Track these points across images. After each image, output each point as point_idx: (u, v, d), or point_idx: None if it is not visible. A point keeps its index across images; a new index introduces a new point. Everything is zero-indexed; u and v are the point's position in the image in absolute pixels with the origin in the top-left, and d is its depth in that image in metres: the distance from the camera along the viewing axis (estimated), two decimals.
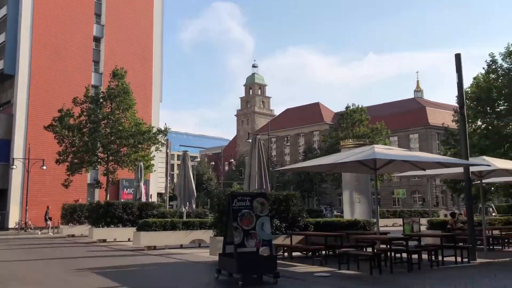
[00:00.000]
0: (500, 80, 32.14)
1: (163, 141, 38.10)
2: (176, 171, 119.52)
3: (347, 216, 19.75)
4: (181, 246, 18.35)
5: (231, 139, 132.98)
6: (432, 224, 18.03)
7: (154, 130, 36.64)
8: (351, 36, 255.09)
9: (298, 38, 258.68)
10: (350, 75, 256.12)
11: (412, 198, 79.46)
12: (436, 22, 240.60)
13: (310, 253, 13.21)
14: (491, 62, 33.10)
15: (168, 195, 32.08)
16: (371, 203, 22.59)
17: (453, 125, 39.24)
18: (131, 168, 36.14)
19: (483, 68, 33.44)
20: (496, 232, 17.15)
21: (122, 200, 28.38)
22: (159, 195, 55.25)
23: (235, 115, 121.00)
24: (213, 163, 79.72)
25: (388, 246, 10.81)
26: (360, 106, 54.03)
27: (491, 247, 15.79)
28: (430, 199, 49.56)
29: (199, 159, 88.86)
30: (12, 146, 41.09)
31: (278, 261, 9.36)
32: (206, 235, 18.41)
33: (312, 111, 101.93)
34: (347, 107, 53.84)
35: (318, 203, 73.56)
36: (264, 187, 16.79)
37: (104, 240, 21.95)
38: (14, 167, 38.03)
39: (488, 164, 12.92)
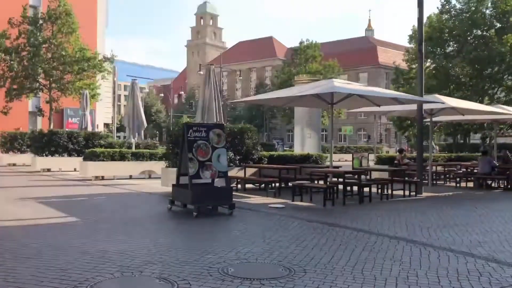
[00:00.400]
0: (452, 21, 32.49)
1: (109, 69, 36.36)
2: (123, 102, 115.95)
3: (297, 150, 19.91)
4: (131, 177, 17.95)
5: (180, 71, 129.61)
6: (380, 159, 18.54)
7: (100, 57, 34.79)
8: None
9: None
10: (305, 9, 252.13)
11: (357, 135, 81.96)
12: None
13: (264, 185, 13.23)
14: (445, 2, 33.26)
15: (115, 125, 30.95)
16: (320, 138, 22.93)
17: (404, 65, 39.83)
18: (76, 97, 34.50)
19: (437, 7, 33.62)
20: (439, 168, 17.91)
21: (66, 129, 27.09)
22: (106, 125, 53.61)
23: (185, 46, 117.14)
24: (162, 95, 77.67)
25: (341, 180, 10.93)
26: (314, 42, 53.54)
27: (434, 182, 16.51)
28: (376, 136, 51.16)
29: (148, 91, 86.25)
30: None
31: (232, 193, 9.22)
32: (156, 166, 18.07)
33: (265, 46, 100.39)
34: (301, 43, 53.20)
35: (268, 138, 74.40)
36: (218, 119, 16.46)
37: (48, 170, 21.10)
38: None
39: (441, 102, 13.11)
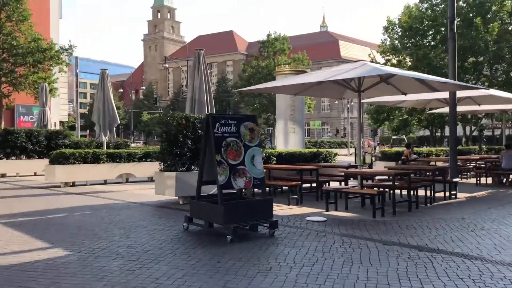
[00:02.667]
0: (431, 10, 31.45)
1: (67, 61, 33.02)
2: (85, 99, 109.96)
3: (280, 147, 18.04)
4: (105, 182, 15.40)
5: (137, 67, 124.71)
6: (385, 155, 16.84)
7: (57, 48, 31.47)
8: None
9: None
10: (261, 5, 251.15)
11: (321, 129, 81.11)
12: None
13: (280, 189, 11.14)
14: None
15: (79, 123, 27.82)
16: (304, 133, 21.19)
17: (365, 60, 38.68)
18: (30, 92, 31.13)
19: None
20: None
21: (24, 128, 23.94)
22: (62, 123, 49.58)
23: (142, 40, 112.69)
24: (122, 90, 73.70)
25: (389, 182, 9.01)
26: (282, 35, 51.74)
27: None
28: (356, 130, 50.05)
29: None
30: None
31: (273, 207, 7.06)
32: (135, 168, 15.70)
33: (226, 40, 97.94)
34: (268, 35, 51.21)
35: None
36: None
37: (3, 175, 18.11)
38: None
39: (486, 88, 11.44)
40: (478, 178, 14.60)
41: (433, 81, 9.50)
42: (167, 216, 8.56)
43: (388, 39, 35.88)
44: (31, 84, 30.33)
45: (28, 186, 14.60)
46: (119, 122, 19.05)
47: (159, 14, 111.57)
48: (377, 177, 10.60)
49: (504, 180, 14.77)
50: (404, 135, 44.47)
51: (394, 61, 34.57)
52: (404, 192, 9.75)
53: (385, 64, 35.67)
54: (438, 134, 35.93)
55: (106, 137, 18.14)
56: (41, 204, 10.17)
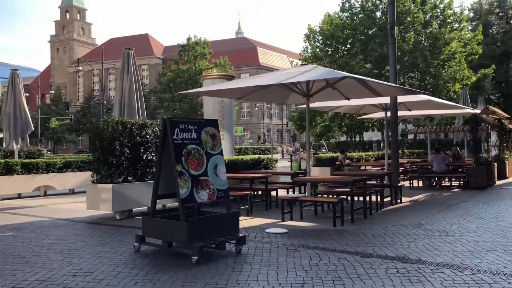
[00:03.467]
0: (352, 19, 32.54)
1: None
2: None
3: None
4: (20, 196, 13.68)
5: (42, 70, 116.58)
6: (320, 160, 16.75)
7: None
8: None
9: None
10: (177, 8, 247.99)
11: (242, 136, 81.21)
12: None
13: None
14: (345, 0, 33.29)
15: None
16: (233, 139, 20.71)
17: (284, 67, 39.40)
18: None
19: (338, 5, 33.54)
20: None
21: None
22: None
23: (48, 41, 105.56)
24: (27, 94, 67.99)
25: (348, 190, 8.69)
26: (202, 39, 50.99)
27: None
28: (287, 137, 50.39)
29: (2, 91, 74.51)
30: None
31: (239, 221, 6.37)
32: (55, 180, 14.19)
33: (141, 43, 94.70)
34: (188, 39, 50.18)
35: None
36: (140, 118, 13.26)
37: None
38: None
39: (429, 94, 11.61)
40: (411, 181, 14.98)
41: (385, 86, 9.37)
42: (108, 234, 7.51)
43: (310, 47, 36.65)
44: None
45: None
46: (33, 129, 17.18)
47: (67, 14, 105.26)
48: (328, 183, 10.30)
49: (434, 183, 15.30)
50: (323, 141, 45.61)
51: None
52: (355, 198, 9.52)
53: None
54: (355, 139, 37.28)
55: (18, 146, 16.24)
56: None
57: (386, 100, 12.91)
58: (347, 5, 32.96)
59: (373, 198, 9.76)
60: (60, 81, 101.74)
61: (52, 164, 14.24)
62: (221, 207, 6.66)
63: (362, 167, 16.55)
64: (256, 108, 77.14)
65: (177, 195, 5.72)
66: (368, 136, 43.73)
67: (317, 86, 10.21)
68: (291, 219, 8.57)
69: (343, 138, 42.06)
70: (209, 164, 6.12)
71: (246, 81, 10.48)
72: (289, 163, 22.45)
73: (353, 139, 36.78)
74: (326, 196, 9.20)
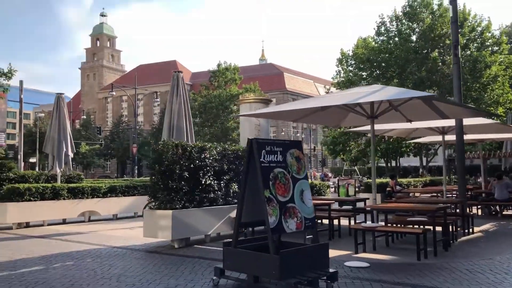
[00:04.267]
0: (389, 43, 31.99)
1: (6, 86, 29.99)
2: (14, 130, 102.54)
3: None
4: (64, 221, 13.32)
5: (71, 97, 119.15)
6: (369, 186, 16.02)
7: None
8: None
9: None
10: (200, 34, 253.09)
11: None
12: None
13: None
14: (380, 24, 32.85)
15: (22, 155, 24.84)
16: None
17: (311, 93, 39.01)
18: None
19: (374, 28, 33.12)
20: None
21: None
22: None
23: (79, 68, 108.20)
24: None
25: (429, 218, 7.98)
26: (232, 65, 51.22)
27: None
28: (314, 162, 49.63)
29: (43, 115, 75.76)
30: None
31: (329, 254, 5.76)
32: (99, 205, 13.84)
33: (169, 69, 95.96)
34: (218, 65, 50.45)
35: None
36: (190, 141, 12.95)
37: None
38: None
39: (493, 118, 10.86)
40: (470, 209, 14.09)
41: (459, 108, 8.75)
42: (173, 265, 6.96)
43: (342, 71, 36.19)
44: None
45: None
46: (74, 151, 17.02)
47: (98, 42, 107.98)
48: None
49: (495, 211, 14.37)
50: (356, 166, 44.63)
51: None
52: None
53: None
54: (391, 165, 36.19)
55: (61, 170, 16.02)
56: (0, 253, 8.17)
57: (445, 123, 12.25)
58: (382, 28, 32.50)
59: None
60: (89, 106, 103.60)
61: (97, 189, 13.92)
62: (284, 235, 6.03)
63: (411, 194, 15.77)
64: (283, 133, 76.69)
65: (264, 223, 5.17)
66: (404, 161, 42.42)
67: (382, 107, 9.65)
68: (364, 251, 7.89)
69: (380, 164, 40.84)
70: (295, 189, 5.57)
71: (309, 102, 9.96)
72: (332, 188, 21.77)
73: (389, 164, 35.64)
74: (402, 226, 8.49)
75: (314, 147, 78.95)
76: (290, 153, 5.72)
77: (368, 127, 10.16)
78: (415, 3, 31.62)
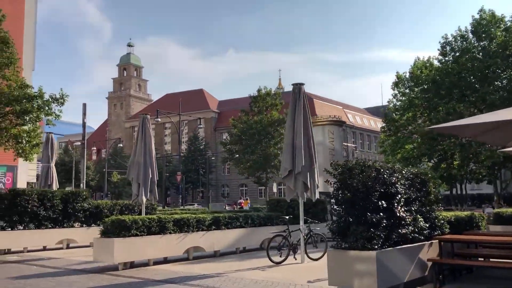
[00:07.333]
0: (455, 64, 30.07)
1: (57, 112, 28.65)
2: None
3: None
4: (166, 260, 11.37)
5: (97, 126, 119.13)
6: (501, 217, 13.85)
7: (46, 96, 27.21)
8: (210, 31, 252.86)
9: (158, 28, 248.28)
10: (211, 69, 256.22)
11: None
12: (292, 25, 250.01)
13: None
14: (444, 43, 31.10)
15: (73, 184, 23.21)
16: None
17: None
18: (9, 146, 26.35)
19: (438, 49, 31.33)
20: None
21: (34, 188, 19.46)
22: (29, 185, 43.91)
23: (106, 98, 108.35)
24: (93, 149, 68.50)
25: None
26: (273, 90, 49.98)
27: None
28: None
29: (63, 147, 75.03)
30: None
31: None
32: (204, 239, 11.86)
33: (196, 98, 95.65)
34: (259, 90, 49.11)
35: (202, 195, 68.56)
36: (310, 164, 11.33)
37: (8, 251, 13.58)
38: None
39: None
40: None
41: None
42: None
43: (399, 95, 34.45)
44: (14, 137, 25.67)
45: (66, 269, 10.35)
46: (157, 178, 15.24)
47: (125, 72, 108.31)
48: None
49: None
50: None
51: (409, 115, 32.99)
52: None
53: (399, 119, 33.73)
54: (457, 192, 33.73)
55: (147, 198, 14.22)
56: None
57: None
58: (447, 48, 30.66)
59: None
60: (116, 136, 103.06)
61: (201, 221, 11.99)
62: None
63: None
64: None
65: None
66: (469, 188, 39.58)
67: None
68: None
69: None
70: None
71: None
72: None
73: (457, 191, 33.15)
74: None
75: None
76: None
77: None
78: (483, 21, 29.84)
